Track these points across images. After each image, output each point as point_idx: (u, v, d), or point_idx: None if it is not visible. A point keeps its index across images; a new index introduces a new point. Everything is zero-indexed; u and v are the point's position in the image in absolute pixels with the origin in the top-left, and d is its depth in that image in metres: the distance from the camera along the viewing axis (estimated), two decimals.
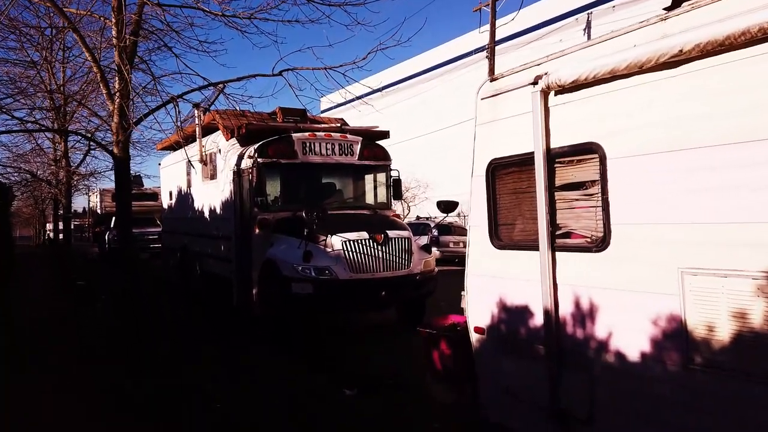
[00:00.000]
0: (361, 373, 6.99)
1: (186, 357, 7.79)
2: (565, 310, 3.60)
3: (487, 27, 24.94)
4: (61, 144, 19.56)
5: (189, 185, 13.20)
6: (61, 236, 25.73)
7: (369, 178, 10.34)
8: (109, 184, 29.45)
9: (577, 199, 3.54)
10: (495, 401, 4.24)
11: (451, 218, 29.72)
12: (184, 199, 13.54)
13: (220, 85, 9.26)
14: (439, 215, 30.01)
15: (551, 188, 3.66)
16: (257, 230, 9.19)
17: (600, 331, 3.40)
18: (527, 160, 3.83)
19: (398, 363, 7.39)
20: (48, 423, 5.39)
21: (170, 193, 15.25)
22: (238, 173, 9.92)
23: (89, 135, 13.86)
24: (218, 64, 21.31)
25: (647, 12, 22.23)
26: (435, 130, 33.22)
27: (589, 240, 3.48)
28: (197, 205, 12.52)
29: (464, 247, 16.79)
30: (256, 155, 9.18)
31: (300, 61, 8.65)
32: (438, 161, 33.60)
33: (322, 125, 10.50)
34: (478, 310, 4.33)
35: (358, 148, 9.87)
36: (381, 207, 10.13)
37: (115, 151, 8.52)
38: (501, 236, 4.13)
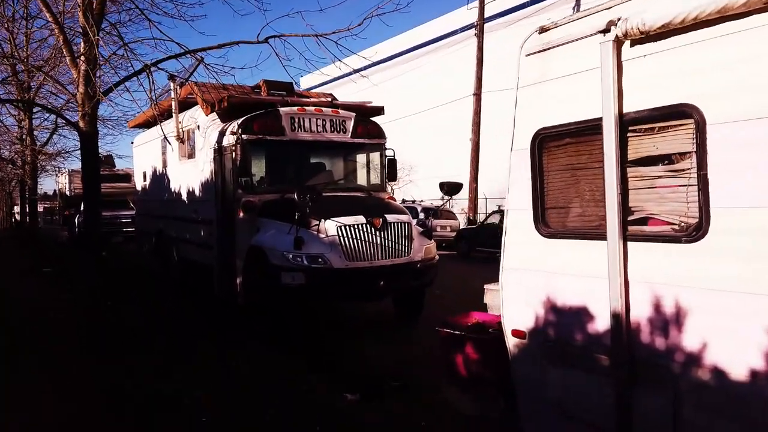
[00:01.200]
0: (362, 372, 6.29)
1: (172, 353, 6.99)
2: (640, 313, 2.92)
3: (475, 4, 24.16)
4: (26, 121, 18.33)
5: (165, 165, 12.25)
6: (28, 219, 24.46)
7: (362, 158, 9.56)
8: (79, 165, 28.14)
9: (660, 176, 2.84)
10: (537, 417, 3.57)
11: (439, 201, 29.10)
12: (160, 179, 12.60)
13: (199, 55, 8.38)
14: (423, 197, 29.36)
15: (623, 163, 2.95)
16: (241, 214, 8.37)
17: (690, 340, 2.72)
18: (588, 128, 3.12)
19: (401, 361, 6.71)
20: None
21: (144, 174, 14.25)
22: (219, 151, 9.06)
23: (55, 109, 12.78)
24: (197, 31, 20.09)
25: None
26: (420, 110, 32.38)
27: (676, 227, 2.79)
28: (174, 186, 11.61)
29: (452, 231, 16.21)
30: (239, 131, 8.33)
31: (288, 29, 7.88)
32: (423, 142, 32.82)
33: (312, 100, 9.66)
34: (518, 311, 3.63)
35: (351, 124, 9.07)
36: (375, 189, 9.37)
37: (81, 125, 7.63)
38: (550, 222, 3.42)
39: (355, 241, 7.47)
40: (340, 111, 9.09)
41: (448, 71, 32.56)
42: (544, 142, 3.40)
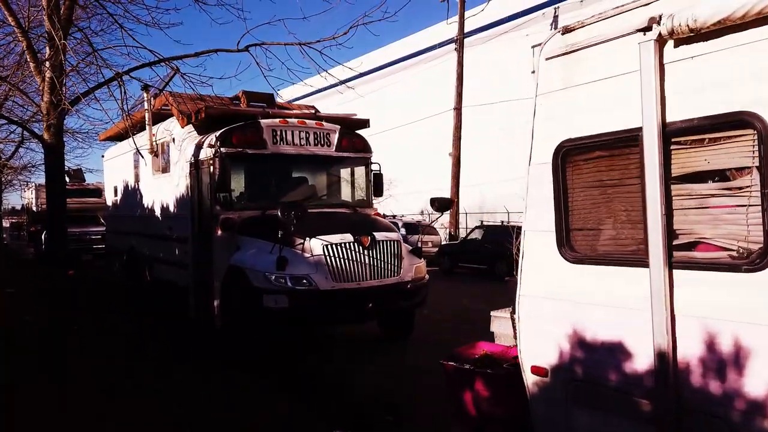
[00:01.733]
0: (351, 402, 5.82)
1: (143, 378, 6.42)
2: (690, 352, 2.54)
3: (455, 19, 24.08)
4: None
5: (137, 179, 11.66)
6: None
7: (347, 172, 9.14)
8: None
9: (713, 195, 2.48)
10: None
11: (419, 216, 28.78)
12: (132, 195, 11.99)
13: (175, 64, 7.92)
14: (403, 212, 29.01)
15: (667, 179, 2.58)
16: (219, 231, 7.86)
17: (752, 386, 2.35)
18: (623, 140, 2.76)
19: (391, 389, 6.25)
20: None
21: (115, 189, 13.61)
22: (195, 165, 8.55)
23: (20, 121, 12.11)
24: (172, 40, 19.45)
25: (616, 5, 21.88)
26: (400, 125, 32.13)
27: (735, 254, 2.42)
28: (147, 201, 11.02)
29: (433, 247, 15.78)
30: (217, 144, 7.85)
31: (269, 38, 7.51)
32: (402, 156, 32.54)
33: (295, 111, 9.22)
34: (539, 344, 3.23)
35: (335, 137, 8.66)
36: (361, 205, 8.95)
37: (46, 136, 7.08)
38: (576, 245, 3.04)
39: (342, 260, 7.02)
40: (324, 123, 8.68)
41: (428, 85, 32.43)
42: (569, 155, 3.03)
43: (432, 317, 9.74)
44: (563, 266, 3.06)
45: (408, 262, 7.66)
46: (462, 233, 24.18)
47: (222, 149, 7.75)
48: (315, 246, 6.98)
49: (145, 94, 10.08)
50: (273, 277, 6.79)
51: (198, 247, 8.56)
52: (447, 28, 26.97)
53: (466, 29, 24.27)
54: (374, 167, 9.20)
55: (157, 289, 10.52)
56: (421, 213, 30.91)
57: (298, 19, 7.68)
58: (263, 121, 8.13)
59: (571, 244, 3.05)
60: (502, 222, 19.73)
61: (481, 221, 22.03)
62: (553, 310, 3.13)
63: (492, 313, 4.65)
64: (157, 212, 10.35)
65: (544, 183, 3.12)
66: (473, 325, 9.65)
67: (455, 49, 23.65)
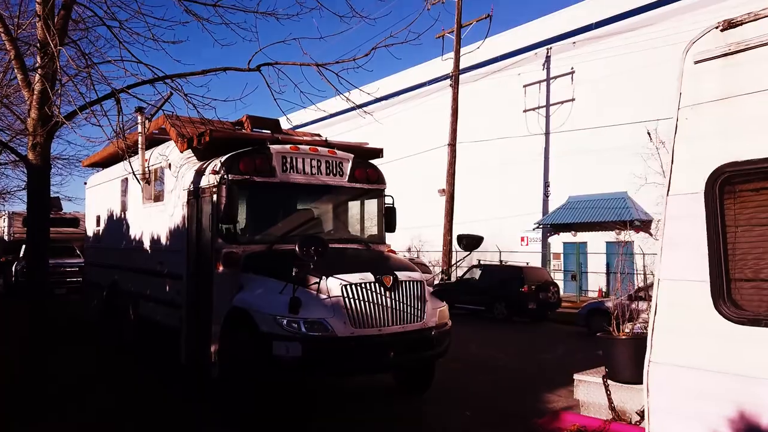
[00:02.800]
0: None
1: None
2: None
3: (450, 55, 23.90)
4: None
5: (124, 208, 10.79)
6: None
7: (359, 205, 8.42)
8: (22, 207, 25.82)
9: None
10: None
11: (406, 253, 28.03)
12: (117, 225, 11.09)
13: (178, 83, 7.23)
14: (394, 248, 28.22)
15: None
16: (221, 268, 7.03)
17: None
18: None
19: None
20: None
21: (98, 218, 12.67)
22: (195, 194, 7.76)
23: (1, 141, 11.20)
24: (172, 59, 18.63)
25: (608, 48, 21.57)
26: (393, 159, 31.63)
27: None
28: (134, 232, 10.13)
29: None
30: (222, 170, 7.10)
31: (276, 59, 6.93)
32: (394, 190, 31.96)
33: (306, 138, 8.53)
34: (680, 429, 2.49)
35: (348, 167, 7.97)
36: (374, 240, 8.21)
37: (30, 157, 6.27)
38: (742, 301, 2.35)
39: (362, 303, 6.24)
40: (337, 151, 8.00)
41: (422, 120, 32.20)
42: (731, 183, 2.36)
43: (444, 363, 8.94)
44: (722, 327, 2.36)
45: (431, 305, 6.90)
46: (455, 271, 23.49)
47: (228, 176, 6.98)
48: (333, 286, 6.19)
49: (139, 117, 9.33)
50: (285, 321, 5.97)
51: (194, 284, 7.70)
52: (441, 65, 26.86)
53: (461, 66, 24.09)
54: (387, 200, 8.51)
55: (142, 330, 9.55)
56: (408, 249, 30.21)
57: (314, 38, 7.15)
58: (273, 147, 7.41)
59: (734, 299, 2.36)
60: (502, 262, 19.08)
61: (479, 260, 21.35)
62: (705, 385, 2.41)
63: (576, 377, 3.93)
64: (146, 244, 9.47)
65: (691, 219, 2.44)
66: (494, 374, 8.91)
67: (450, 85, 23.38)
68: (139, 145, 9.37)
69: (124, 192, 10.75)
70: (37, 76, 5.68)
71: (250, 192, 7.31)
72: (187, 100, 7.29)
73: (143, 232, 9.70)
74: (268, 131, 8.63)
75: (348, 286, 6.20)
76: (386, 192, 8.55)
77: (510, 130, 27.87)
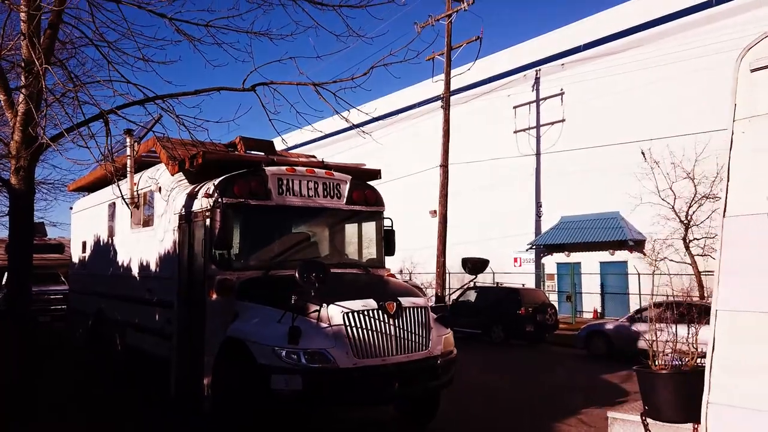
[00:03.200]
0: None
1: None
2: None
3: (441, 77, 23.88)
4: None
5: (111, 234, 10.42)
6: None
7: (357, 228, 8.13)
8: (5, 233, 25.21)
9: None
10: None
11: (402, 274, 27.68)
12: (104, 251, 10.70)
13: (170, 103, 6.98)
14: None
15: None
16: (214, 295, 6.69)
17: None
18: None
19: None
20: None
21: (84, 244, 12.27)
22: (186, 218, 7.45)
23: None
24: (163, 80, 18.19)
25: (597, 69, 21.63)
26: (386, 180, 31.46)
27: None
28: (122, 259, 9.76)
29: None
30: (216, 193, 6.80)
31: (274, 78, 6.75)
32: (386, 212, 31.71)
33: (302, 160, 8.27)
34: None
35: (346, 188, 7.72)
36: (373, 264, 7.91)
37: (13, 181, 5.95)
38: None
39: (365, 331, 5.93)
40: (335, 173, 7.74)
41: (412, 141, 32.16)
42: None
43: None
44: None
45: (436, 332, 6.59)
46: (449, 293, 23.17)
47: (222, 199, 6.68)
48: (334, 314, 5.88)
49: (127, 138, 9.03)
50: (284, 352, 5.64)
51: (185, 313, 7.35)
52: (433, 86, 26.85)
53: (452, 87, 24.08)
54: (386, 222, 8.25)
55: (130, 360, 9.13)
56: (400, 272, 29.86)
57: (311, 57, 6.87)
58: (269, 169, 7.15)
59: None
60: (498, 284, 18.82)
61: (474, 282, 21.03)
62: None
63: (609, 414, 3.65)
64: (135, 271, 9.10)
65: (753, 242, 2.19)
66: (495, 400, 8.56)
67: (441, 106, 23.32)
68: (128, 168, 9.06)
69: (112, 217, 10.40)
70: (22, 96, 5.40)
71: (244, 216, 7.01)
72: (179, 121, 7.02)
73: (131, 258, 9.34)
74: (262, 153, 8.38)
75: (350, 314, 5.90)
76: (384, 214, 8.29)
77: (501, 150, 27.86)
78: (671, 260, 16.86)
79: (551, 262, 26.64)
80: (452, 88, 24.50)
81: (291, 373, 5.59)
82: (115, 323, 9.75)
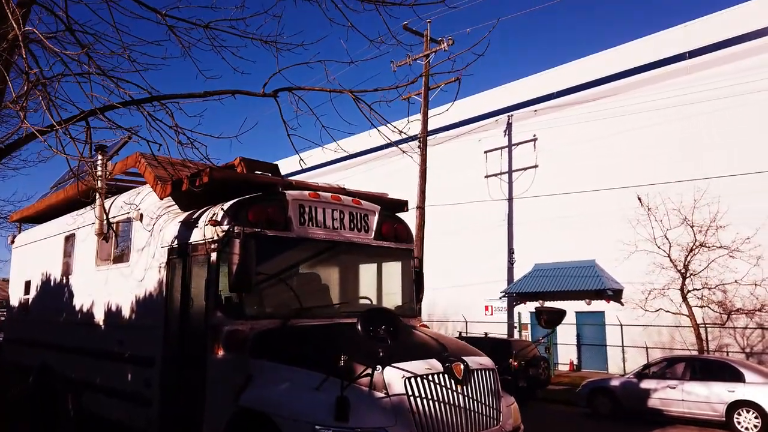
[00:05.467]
0: None
1: None
2: None
3: (418, 116, 23.10)
4: None
5: (67, 272, 8.62)
6: None
7: (386, 268, 6.79)
8: None
9: None
10: None
11: None
12: (56, 292, 8.85)
13: (169, 107, 5.58)
14: None
15: None
16: (221, 352, 5.16)
17: None
18: None
19: None
20: None
21: (27, 284, 10.30)
22: (180, 252, 5.92)
23: None
24: (150, 86, 15.00)
25: (571, 116, 21.33)
26: None
27: None
28: (81, 302, 7.99)
29: None
30: (226, 221, 5.36)
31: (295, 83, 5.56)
32: None
33: (322, 184, 6.90)
34: None
35: (375, 220, 6.41)
36: (405, 313, 6.53)
37: None
38: None
39: (431, 402, 4.54)
40: (362, 201, 6.44)
41: (385, 181, 30.99)
42: None
43: None
44: None
45: (505, 401, 5.27)
46: None
47: (234, 228, 5.23)
48: (393, 379, 4.47)
49: (99, 156, 7.45)
50: None
51: (173, 373, 5.75)
52: (406, 125, 26.05)
53: (417, 131, 23.29)
54: (416, 263, 6.96)
55: (86, 429, 7.28)
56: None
57: (343, 62, 5.78)
58: (289, 193, 5.77)
59: None
60: (486, 334, 17.60)
61: (459, 332, 19.78)
62: None
63: None
64: (99, 317, 7.39)
65: None
66: None
67: (419, 146, 22.47)
68: (98, 192, 7.43)
69: (69, 251, 8.63)
70: None
71: (259, 249, 5.53)
72: (178, 130, 5.58)
73: (94, 302, 7.61)
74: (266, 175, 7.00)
75: (413, 379, 4.51)
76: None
77: (472, 194, 27.17)
78: (667, 311, 16.12)
79: (525, 311, 25.71)
80: (418, 131, 23.76)
81: None
82: (67, 382, 7.88)
